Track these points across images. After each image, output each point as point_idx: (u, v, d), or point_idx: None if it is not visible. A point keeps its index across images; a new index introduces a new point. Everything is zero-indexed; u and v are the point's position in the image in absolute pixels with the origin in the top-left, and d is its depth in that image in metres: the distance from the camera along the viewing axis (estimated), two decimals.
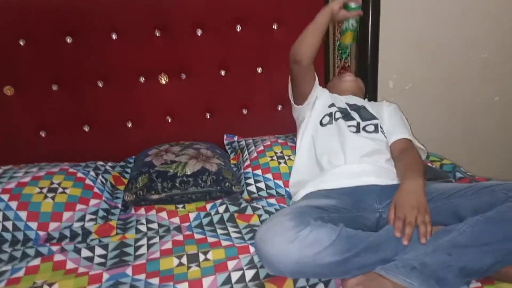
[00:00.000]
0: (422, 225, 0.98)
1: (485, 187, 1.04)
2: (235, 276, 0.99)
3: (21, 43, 1.55)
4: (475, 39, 1.98)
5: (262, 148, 1.64)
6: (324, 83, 1.90)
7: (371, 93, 1.85)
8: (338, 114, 1.40)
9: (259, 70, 1.81)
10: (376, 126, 1.38)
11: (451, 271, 0.89)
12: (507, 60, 2.06)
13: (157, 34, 1.67)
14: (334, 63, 1.86)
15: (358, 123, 1.38)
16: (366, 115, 1.42)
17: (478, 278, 0.94)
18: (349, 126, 1.36)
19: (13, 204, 1.27)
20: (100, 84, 1.68)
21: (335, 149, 1.31)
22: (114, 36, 1.63)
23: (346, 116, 1.40)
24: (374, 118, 1.41)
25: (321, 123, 1.41)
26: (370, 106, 1.48)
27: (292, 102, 1.49)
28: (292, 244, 0.90)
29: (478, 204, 1.01)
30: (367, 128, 1.37)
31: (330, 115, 1.41)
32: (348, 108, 1.43)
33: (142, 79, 1.71)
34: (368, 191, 1.18)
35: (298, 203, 1.14)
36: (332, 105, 1.44)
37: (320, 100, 1.46)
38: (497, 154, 2.24)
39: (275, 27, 1.76)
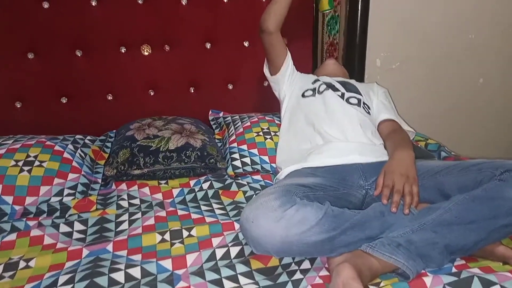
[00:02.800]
0: (408, 195, 0.99)
1: (472, 165, 1.04)
2: (219, 252, 0.98)
3: None
4: (462, 20, 1.97)
5: (248, 124, 1.61)
6: (312, 58, 1.87)
7: (358, 71, 1.83)
8: (323, 87, 1.41)
9: (246, 44, 1.76)
10: (359, 100, 1.39)
11: (436, 248, 0.90)
12: (492, 42, 2.06)
13: (140, 1, 1.59)
14: (323, 39, 1.82)
15: (343, 94, 1.39)
16: (351, 88, 1.43)
17: (462, 256, 0.95)
18: (336, 95, 1.38)
19: None
20: (79, 54, 1.60)
21: (320, 119, 1.32)
22: (93, 3, 1.54)
23: (332, 87, 1.41)
24: (359, 93, 1.42)
25: (303, 95, 1.42)
26: (358, 84, 1.47)
27: (267, 75, 1.51)
28: (278, 224, 0.89)
29: (464, 182, 1.01)
30: (350, 100, 1.38)
31: (313, 89, 1.42)
32: (333, 82, 1.44)
33: (123, 49, 1.64)
34: (352, 169, 1.17)
35: (283, 181, 1.13)
36: (317, 80, 1.45)
37: (300, 77, 1.49)
38: (480, 135, 2.27)
39: None
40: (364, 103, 1.39)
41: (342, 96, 1.38)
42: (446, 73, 2.08)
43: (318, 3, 1.58)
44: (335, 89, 1.41)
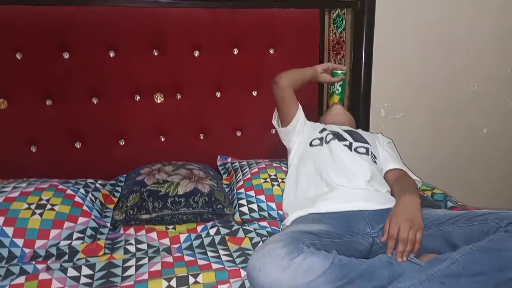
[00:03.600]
0: (410, 243, 1.01)
1: (478, 215, 1.05)
2: None
3: (18, 56, 1.55)
4: (465, 70, 2.04)
5: (256, 170, 1.64)
6: (317, 107, 1.93)
7: (363, 121, 1.88)
8: (330, 136, 1.43)
9: (254, 93, 1.83)
10: (367, 149, 1.41)
11: None
12: (497, 94, 2.11)
13: (155, 53, 1.68)
14: (328, 89, 1.89)
15: (351, 143, 1.41)
16: (358, 138, 1.46)
17: None
18: (343, 145, 1.40)
19: (0, 220, 1.24)
20: (95, 101, 1.68)
21: (328, 168, 1.33)
22: (111, 54, 1.64)
23: (339, 137, 1.43)
24: (366, 142, 1.44)
25: (310, 144, 1.45)
26: (364, 133, 1.51)
27: (276, 126, 1.56)
28: (285, 273, 0.90)
29: (470, 233, 1.02)
30: (358, 150, 1.40)
31: (321, 139, 1.44)
32: (340, 131, 1.46)
33: (137, 97, 1.72)
34: (358, 216, 1.18)
35: (289, 228, 1.14)
36: (324, 129, 1.48)
37: (308, 126, 1.52)
38: (485, 185, 2.27)
39: (271, 51, 1.79)
40: (371, 152, 1.41)
41: (350, 145, 1.40)
42: (450, 123, 2.12)
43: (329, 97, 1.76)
44: (342, 138, 1.43)
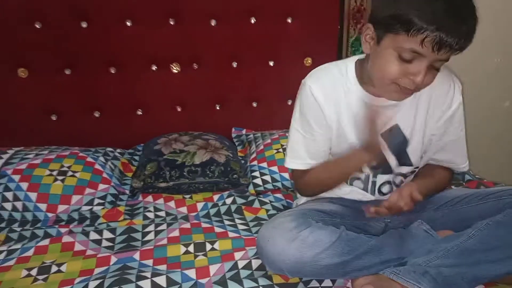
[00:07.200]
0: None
1: (491, 193, 1.03)
2: (241, 263, 1.01)
3: (37, 26, 1.56)
4: (487, 42, 1.97)
5: (269, 141, 1.64)
6: None
7: None
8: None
9: (271, 63, 1.81)
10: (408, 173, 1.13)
11: (464, 278, 0.90)
12: None
13: (171, 22, 1.67)
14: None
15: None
16: (405, 161, 1.09)
17: (486, 283, 0.94)
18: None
19: (24, 185, 1.28)
20: (113, 71, 1.68)
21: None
22: (128, 23, 1.63)
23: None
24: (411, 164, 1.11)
25: None
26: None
27: None
28: (292, 244, 0.91)
29: (484, 210, 1.00)
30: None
31: None
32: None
33: (154, 67, 1.72)
34: (373, 203, 1.13)
35: (302, 206, 1.14)
36: None
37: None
38: (504, 159, 2.23)
39: (289, 20, 1.76)
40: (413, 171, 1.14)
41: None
42: (471, 96, 2.07)
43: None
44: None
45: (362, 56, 1.03)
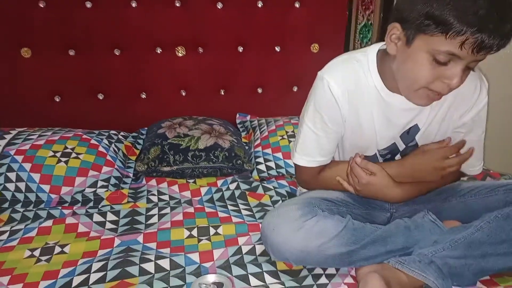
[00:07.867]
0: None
1: (499, 186, 1.02)
2: (245, 248, 1.01)
3: (41, 5, 1.53)
4: None
5: (274, 127, 1.63)
6: None
7: None
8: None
9: (277, 49, 1.78)
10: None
11: (470, 269, 0.90)
12: None
13: (177, 4, 1.64)
14: (355, 47, 1.83)
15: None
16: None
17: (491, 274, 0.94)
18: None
19: (27, 166, 1.27)
20: (117, 53, 1.66)
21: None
22: (133, 4, 1.60)
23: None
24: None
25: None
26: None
27: None
28: (297, 233, 0.90)
29: (492, 203, 0.99)
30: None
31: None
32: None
33: (159, 50, 1.69)
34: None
35: (307, 194, 1.12)
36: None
37: None
38: (509, 149, 2.22)
39: (296, 5, 1.73)
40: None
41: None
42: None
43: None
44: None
45: (383, 44, 0.94)
